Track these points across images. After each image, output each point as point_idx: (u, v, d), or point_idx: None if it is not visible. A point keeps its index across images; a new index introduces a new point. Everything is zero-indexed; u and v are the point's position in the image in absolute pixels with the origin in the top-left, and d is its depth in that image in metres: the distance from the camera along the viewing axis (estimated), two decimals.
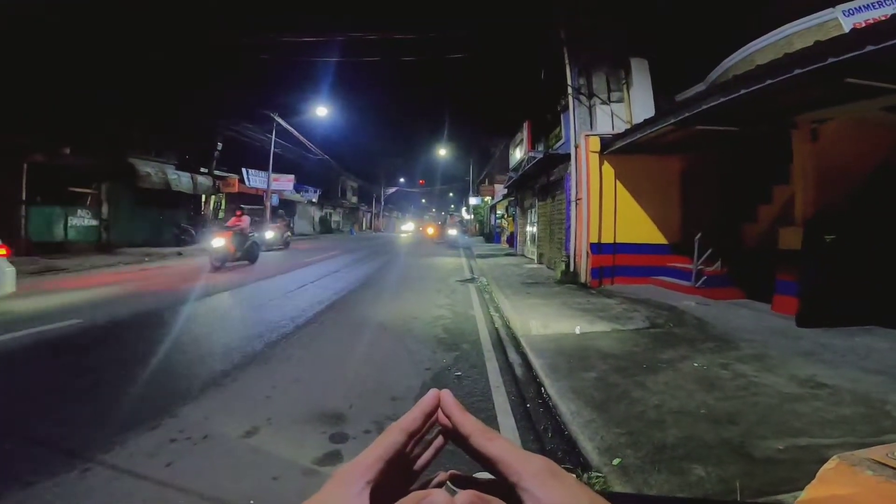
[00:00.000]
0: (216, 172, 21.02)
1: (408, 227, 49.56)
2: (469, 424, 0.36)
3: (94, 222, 14.55)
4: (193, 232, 18.13)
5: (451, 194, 69.63)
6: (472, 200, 38.52)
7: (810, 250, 5.39)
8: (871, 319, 5.23)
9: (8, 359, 4.14)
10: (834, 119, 5.75)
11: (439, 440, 0.40)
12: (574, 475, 0.32)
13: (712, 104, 5.38)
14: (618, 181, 9.17)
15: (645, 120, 7.42)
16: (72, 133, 13.20)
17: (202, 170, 19.94)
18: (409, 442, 0.36)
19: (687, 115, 5.98)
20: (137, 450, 2.52)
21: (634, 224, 9.22)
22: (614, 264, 9.12)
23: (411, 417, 0.36)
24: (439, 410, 0.38)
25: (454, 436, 0.37)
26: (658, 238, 9.28)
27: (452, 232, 32.96)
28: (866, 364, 3.93)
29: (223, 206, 23.35)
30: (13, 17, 10.32)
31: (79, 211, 14.04)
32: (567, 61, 9.86)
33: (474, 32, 11.22)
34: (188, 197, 19.00)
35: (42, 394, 3.35)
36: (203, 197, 20.62)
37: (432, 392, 0.38)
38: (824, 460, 0.75)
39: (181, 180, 17.91)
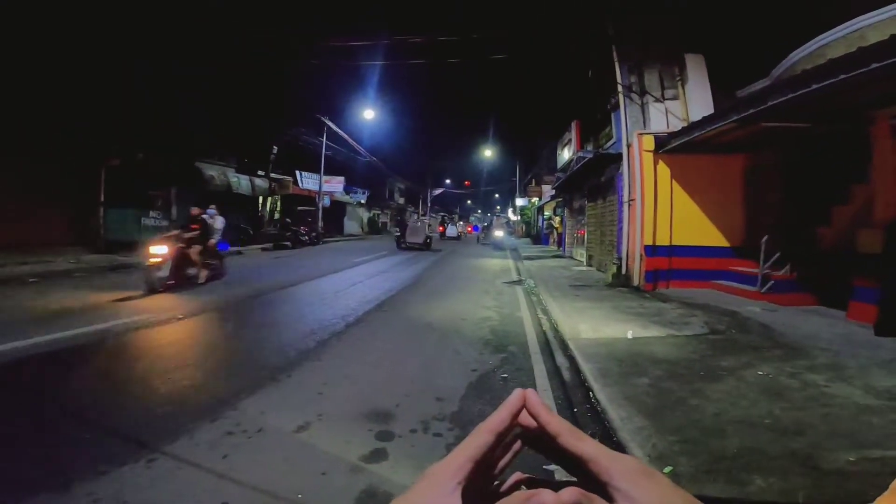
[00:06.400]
0: (272, 175, 22.11)
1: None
2: (557, 424, 0.35)
3: (165, 223, 15.77)
4: (251, 231, 19.27)
5: (496, 196, 69.41)
6: (519, 201, 38.15)
7: (891, 254, 4.97)
8: None
9: (84, 349, 4.48)
10: None
11: (517, 443, 0.39)
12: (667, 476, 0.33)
13: (780, 100, 5.12)
14: (674, 181, 8.82)
15: (704, 117, 7.12)
16: (145, 138, 14.35)
17: (259, 172, 21.04)
18: (497, 442, 0.35)
19: (752, 111, 5.71)
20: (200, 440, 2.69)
21: (692, 226, 8.83)
22: (670, 267, 8.78)
23: (499, 418, 0.35)
24: (523, 410, 0.37)
25: (536, 437, 0.36)
26: (718, 240, 8.84)
27: (499, 233, 32.77)
28: None
29: (279, 208, 24.57)
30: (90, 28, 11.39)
31: (151, 212, 15.27)
32: (616, 59, 9.61)
33: (520, 32, 11.13)
34: (246, 198, 20.11)
35: (115, 384, 3.66)
36: (260, 198, 21.77)
37: (517, 392, 0.37)
38: None
39: (241, 183, 19.04)
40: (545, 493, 0.31)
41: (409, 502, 0.32)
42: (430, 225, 23.48)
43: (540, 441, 0.36)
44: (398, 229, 22.88)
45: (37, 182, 11.45)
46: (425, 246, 21.40)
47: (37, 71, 10.76)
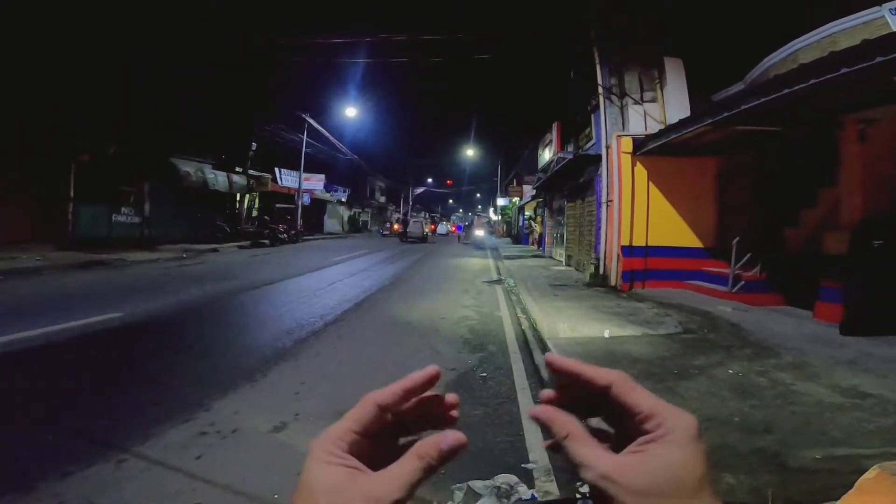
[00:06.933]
0: (250, 172, 21.65)
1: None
2: (608, 373, 0.34)
3: (137, 219, 15.26)
4: (228, 229, 18.84)
5: (478, 195, 69.62)
6: (500, 201, 38.35)
7: (856, 256, 5.14)
8: None
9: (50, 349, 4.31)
10: (883, 119, 5.47)
11: (450, 418, 0.38)
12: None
13: (753, 104, 5.21)
14: (651, 182, 8.96)
15: (681, 120, 7.23)
16: (117, 133, 13.84)
17: (237, 169, 20.55)
18: (381, 414, 0.35)
19: (726, 114, 5.81)
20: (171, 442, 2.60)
21: (667, 227, 8.99)
22: (646, 268, 8.92)
23: (386, 391, 0.36)
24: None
25: (568, 384, 0.35)
26: (692, 241, 9.02)
27: (479, 233, 32.92)
28: None
29: (257, 205, 24.10)
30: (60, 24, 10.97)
31: (122, 209, 14.75)
32: (597, 61, 9.71)
33: (503, 33, 11.16)
34: (224, 195, 19.64)
35: (83, 384, 3.54)
36: (237, 195, 21.30)
37: (428, 369, 0.37)
38: (863, 470, 0.74)
39: (218, 179, 18.54)
40: (451, 432, 0.33)
41: (302, 478, 0.33)
42: (424, 224, 31.45)
43: (574, 391, 0.36)
44: (402, 227, 30.87)
45: (1, 176, 10.94)
46: (423, 239, 28.54)
47: (2, 61, 10.28)
